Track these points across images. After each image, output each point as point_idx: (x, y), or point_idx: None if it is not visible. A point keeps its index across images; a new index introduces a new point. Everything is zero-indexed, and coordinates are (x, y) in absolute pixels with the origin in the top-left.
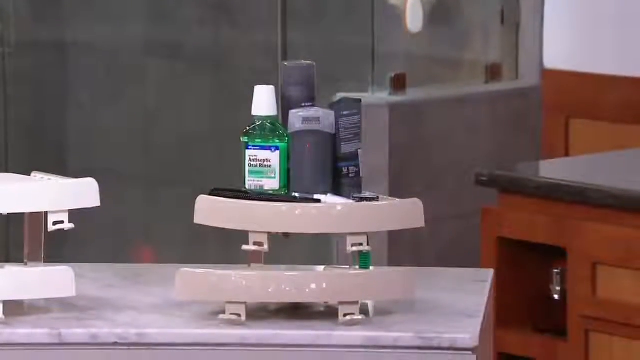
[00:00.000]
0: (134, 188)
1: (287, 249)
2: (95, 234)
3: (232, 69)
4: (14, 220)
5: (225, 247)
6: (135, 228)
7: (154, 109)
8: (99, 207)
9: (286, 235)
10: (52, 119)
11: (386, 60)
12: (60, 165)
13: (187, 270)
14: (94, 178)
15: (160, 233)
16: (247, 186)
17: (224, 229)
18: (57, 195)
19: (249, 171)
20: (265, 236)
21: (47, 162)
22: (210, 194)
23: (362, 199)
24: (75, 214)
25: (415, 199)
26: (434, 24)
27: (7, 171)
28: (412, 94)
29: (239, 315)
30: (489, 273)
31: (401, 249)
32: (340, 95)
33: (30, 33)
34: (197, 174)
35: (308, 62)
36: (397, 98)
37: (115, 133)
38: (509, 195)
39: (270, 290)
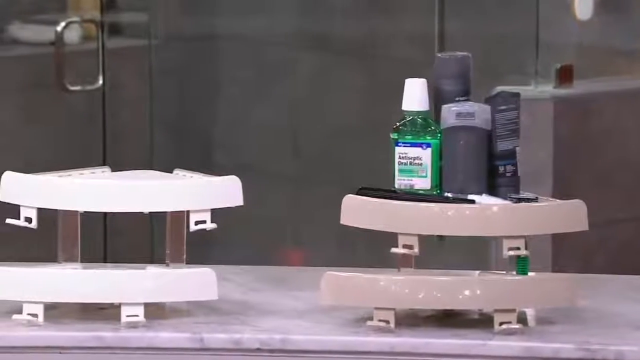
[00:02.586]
0: (281, 186)
1: (441, 252)
2: (240, 235)
3: (385, 61)
4: (158, 219)
5: (375, 249)
6: (282, 229)
7: (303, 103)
8: (244, 206)
9: (441, 238)
10: (198, 114)
11: (552, 50)
12: (207, 162)
13: (333, 273)
14: (240, 176)
15: (308, 234)
16: (396, 185)
17: (373, 230)
18: (198, 194)
19: (398, 170)
20: (416, 239)
21: (193, 158)
22: (357, 194)
23: (519, 200)
24: (219, 214)
25: (578, 200)
26: (606, 10)
27: (151, 168)
28: (579, 87)
29: (388, 322)
30: None
31: (567, 254)
32: (499, 88)
33: (178, 24)
34: (347, 172)
35: (463, 53)
36: (563, 91)
37: (263, 129)
38: None
39: (420, 296)
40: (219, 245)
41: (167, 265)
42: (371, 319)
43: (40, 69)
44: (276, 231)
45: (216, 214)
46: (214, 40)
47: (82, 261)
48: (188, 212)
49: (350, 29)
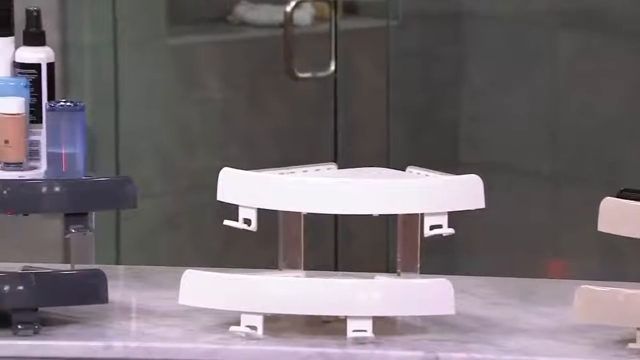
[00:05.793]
0: (538, 187)
1: None
2: (485, 242)
3: None
4: (394, 222)
5: None
6: (537, 235)
7: (565, 91)
8: (492, 209)
9: None
10: (442, 103)
11: None
12: (451, 159)
13: (588, 287)
14: (490, 175)
15: (569, 242)
16: None
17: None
18: (433, 195)
19: None
20: None
21: (435, 154)
22: (618, 196)
23: None
24: (458, 218)
25: None
26: None
27: (387, 164)
28: None
29: None
30: None
31: None
32: None
33: (420, 2)
34: (615, 172)
35: None
36: None
37: (516, 121)
38: None
39: None
40: (460, 253)
41: (398, 274)
42: (634, 340)
43: (267, 53)
44: (530, 238)
45: (456, 217)
46: (461, 20)
47: (310, 268)
48: (422, 215)
49: (622, 2)
